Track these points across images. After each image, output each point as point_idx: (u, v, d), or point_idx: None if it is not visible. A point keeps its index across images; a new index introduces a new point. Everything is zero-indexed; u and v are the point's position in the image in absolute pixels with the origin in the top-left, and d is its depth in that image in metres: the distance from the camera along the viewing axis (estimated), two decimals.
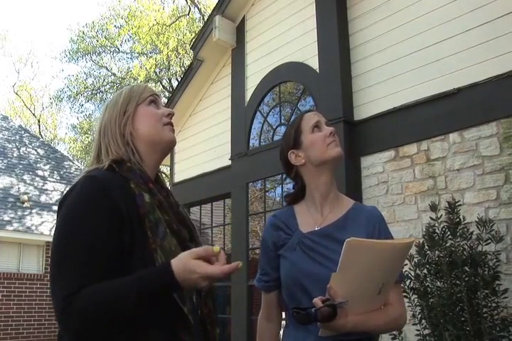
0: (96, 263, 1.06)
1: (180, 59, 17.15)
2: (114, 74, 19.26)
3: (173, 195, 1.35)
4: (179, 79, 11.92)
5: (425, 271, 3.27)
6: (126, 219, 1.11)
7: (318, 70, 4.96)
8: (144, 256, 1.11)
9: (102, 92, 19.16)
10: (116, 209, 1.11)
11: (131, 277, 1.04)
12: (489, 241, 3.16)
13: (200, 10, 16.61)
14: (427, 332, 3.22)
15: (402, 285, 2.39)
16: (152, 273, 1.05)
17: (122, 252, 1.10)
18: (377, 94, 4.49)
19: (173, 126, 1.32)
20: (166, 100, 7.51)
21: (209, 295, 1.26)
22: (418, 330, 3.23)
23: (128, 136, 1.26)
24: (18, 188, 11.11)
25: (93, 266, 1.06)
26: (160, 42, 16.40)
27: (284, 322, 1.61)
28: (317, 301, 1.25)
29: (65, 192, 1.18)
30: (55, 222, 1.24)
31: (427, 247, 3.26)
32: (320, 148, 1.51)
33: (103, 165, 1.21)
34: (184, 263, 1.03)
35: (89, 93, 19.16)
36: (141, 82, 15.97)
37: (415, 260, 3.28)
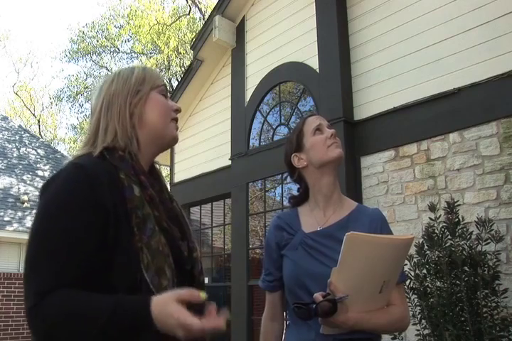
0: (73, 261, 0.97)
1: (181, 59, 17.17)
2: None
3: (168, 190, 1.26)
4: (179, 79, 11.92)
5: (425, 270, 3.27)
6: (112, 213, 1.01)
7: (318, 70, 4.96)
8: (129, 254, 1.01)
9: None
10: (101, 203, 1.01)
11: (108, 301, 0.94)
12: (489, 240, 3.17)
13: (200, 10, 16.62)
14: (427, 332, 3.22)
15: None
16: (129, 306, 0.93)
17: (105, 250, 1.00)
18: (377, 94, 4.49)
19: (177, 122, 1.25)
20: None
21: None
22: (418, 330, 3.23)
23: (136, 119, 1.15)
24: (18, 188, 11.10)
25: (69, 264, 0.96)
26: (160, 42, 16.42)
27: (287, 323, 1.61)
28: (317, 296, 1.26)
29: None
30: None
31: (426, 247, 3.27)
32: (320, 150, 1.54)
33: (92, 151, 1.10)
34: (165, 303, 0.92)
35: (89, 93, 19.16)
36: None
37: (415, 260, 3.28)
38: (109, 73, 1.24)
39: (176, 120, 1.23)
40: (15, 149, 12.53)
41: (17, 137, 13.18)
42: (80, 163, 1.05)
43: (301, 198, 1.62)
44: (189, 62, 11.91)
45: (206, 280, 6.61)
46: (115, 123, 1.13)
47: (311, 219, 1.54)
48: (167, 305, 0.92)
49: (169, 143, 1.23)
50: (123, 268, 1.00)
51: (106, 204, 1.01)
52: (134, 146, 1.14)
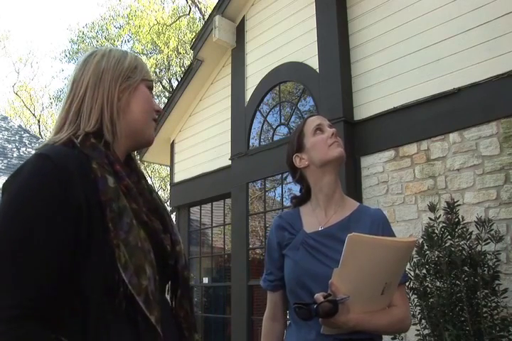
0: (39, 268, 0.86)
1: (181, 59, 17.16)
2: None
3: (147, 181, 1.16)
4: (179, 79, 11.92)
5: (424, 270, 3.27)
6: (85, 209, 0.91)
7: (318, 70, 4.96)
8: (104, 253, 0.91)
9: None
10: (71, 199, 0.90)
11: None
12: (488, 240, 3.17)
13: (200, 10, 16.62)
14: (426, 332, 3.22)
15: None
16: None
17: (76, 251, 0.90)
18: (377, 94, 4.49)
19: (156, 123, 1.17)
20: (166, 100, 7.51)
21: (185, 295, 1.10)
22: (418, 330, 3.23)
23: (121, 106, 1.06)
24: None
25: (35, 272, 0.85)
26: (160, 42, 16.42)
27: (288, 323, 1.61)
28: (318, 296, 1.26)
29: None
30: None
31: (426, 247, 3.27)
32: (321, 150, 1.54)
33: (60, 139, 0.99)
34: None
35: None
36: None
37: (415, 260, 3.28)
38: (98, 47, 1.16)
39: (155, 121, 1.15)
40: (15, 149, 12.53)
41: (17, 137, 13.18)
42: (46, 154, 0.93)
43: (303, 198, 1.63)
44: (189, 62, 11.92)
45: (206, 280, 6.63)
46: (103, 102, 1.03)
47: (312, 219, 1.55)
48: None
49: (146, 141, 1.14)
50: (97, 268, 0.90)
51: (77, 200, 0.91)
52: (113, 133, 1.03)
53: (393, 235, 1.51)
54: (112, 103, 1.04)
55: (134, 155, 1.17)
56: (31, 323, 0.83)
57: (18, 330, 0.81)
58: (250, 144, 5.74)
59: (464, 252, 3.16)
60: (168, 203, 9.19)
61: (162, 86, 17.86)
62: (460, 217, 3.27)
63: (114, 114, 1.04)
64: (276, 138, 5.48)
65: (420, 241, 3.31)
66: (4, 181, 0.94)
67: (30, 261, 0.85)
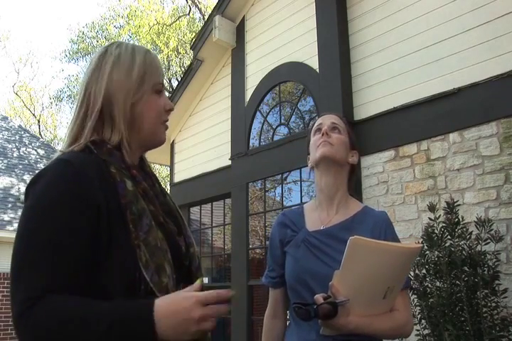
0: (63, 264, 0.90)
1: (180, 59, 17.18)
2: None
3: (160, 183, 1.20)
4: (179, 79, 11.92)
5: (424, 271, 3.27)
6: (105, 212, 0.96)
7: (318, 70, 4.96)
8: (125, 253, 0.96)
9: None
10: (92, 202, 0.95)
11: (104, 311, 0.87)
12: (488, 240, 3.17)
13: (200, 10, 16.62)
14: (426, 332, 3.22)
15: None
16: (128, 317, 0.87)
17: (98, 250, 0.94)
18: (377, 94, 4.49)
19: (167, 122, 1.20)
20: None
21: None
22: (418, 330, 3.23)
23: (136, 115, 1.09)
24: (18, 188, 11.10)
25: (60, 267, 0.90)
26: (160, 42, 16.43)
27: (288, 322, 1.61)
28: (318, 298, 1.25)
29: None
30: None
31: (426, 247, 3.26)
32: (312, 151, 1.59)
33: (78, 145, 1.04)
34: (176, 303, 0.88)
35: None
36: None
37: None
38: (106, 50, 1.17)
39: (166, 122, 1.18)
40: (15, 149, 12.53)
41: (17, 137, 13.18)
42: (67, 159, 0.99)
43: None
44: (189, 62, 11.91)
45: (206, 280, 6.63)
46: (118, 112, 1.07)
47: (315, 218, 1.56)
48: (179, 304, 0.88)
49: (158, 142, 1.18)
50: (120, 267, 0.95)
51: (97, 202, 0.96)
52: (128, 142, 1.08)
53: (396, 238, 1.49)
54: (126, 113, 1.08)
55: (145, 158, 1.21)
56: (54, 295, 0.87)
57: (45, 306, 0.86)
58: (250, 144, 5.74)
59: (463, 252, 3.16)
60: None
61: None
62: (460, 217, 3.27)
63: (128, 124, 1.08)
64: (276, 138, 5.47)
65: (420, 241, 3.31)
66: (29, 183, 0.99)
67: (54, 253, 0.90)
